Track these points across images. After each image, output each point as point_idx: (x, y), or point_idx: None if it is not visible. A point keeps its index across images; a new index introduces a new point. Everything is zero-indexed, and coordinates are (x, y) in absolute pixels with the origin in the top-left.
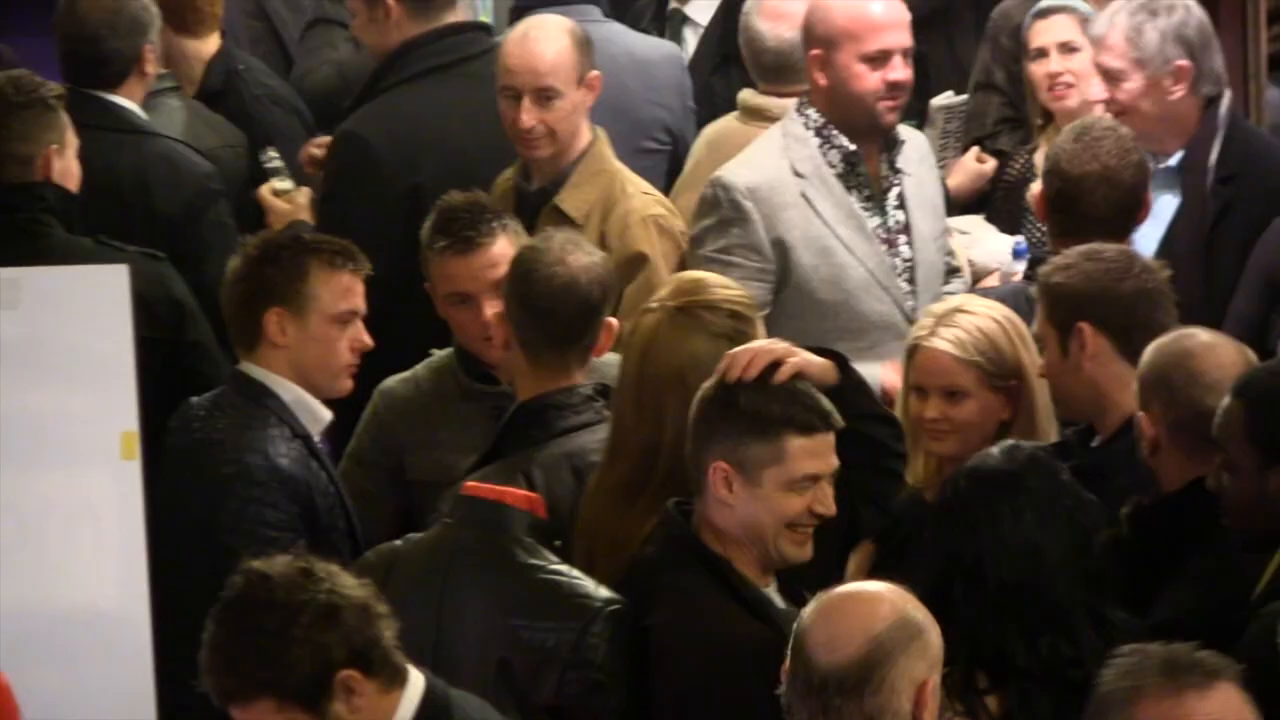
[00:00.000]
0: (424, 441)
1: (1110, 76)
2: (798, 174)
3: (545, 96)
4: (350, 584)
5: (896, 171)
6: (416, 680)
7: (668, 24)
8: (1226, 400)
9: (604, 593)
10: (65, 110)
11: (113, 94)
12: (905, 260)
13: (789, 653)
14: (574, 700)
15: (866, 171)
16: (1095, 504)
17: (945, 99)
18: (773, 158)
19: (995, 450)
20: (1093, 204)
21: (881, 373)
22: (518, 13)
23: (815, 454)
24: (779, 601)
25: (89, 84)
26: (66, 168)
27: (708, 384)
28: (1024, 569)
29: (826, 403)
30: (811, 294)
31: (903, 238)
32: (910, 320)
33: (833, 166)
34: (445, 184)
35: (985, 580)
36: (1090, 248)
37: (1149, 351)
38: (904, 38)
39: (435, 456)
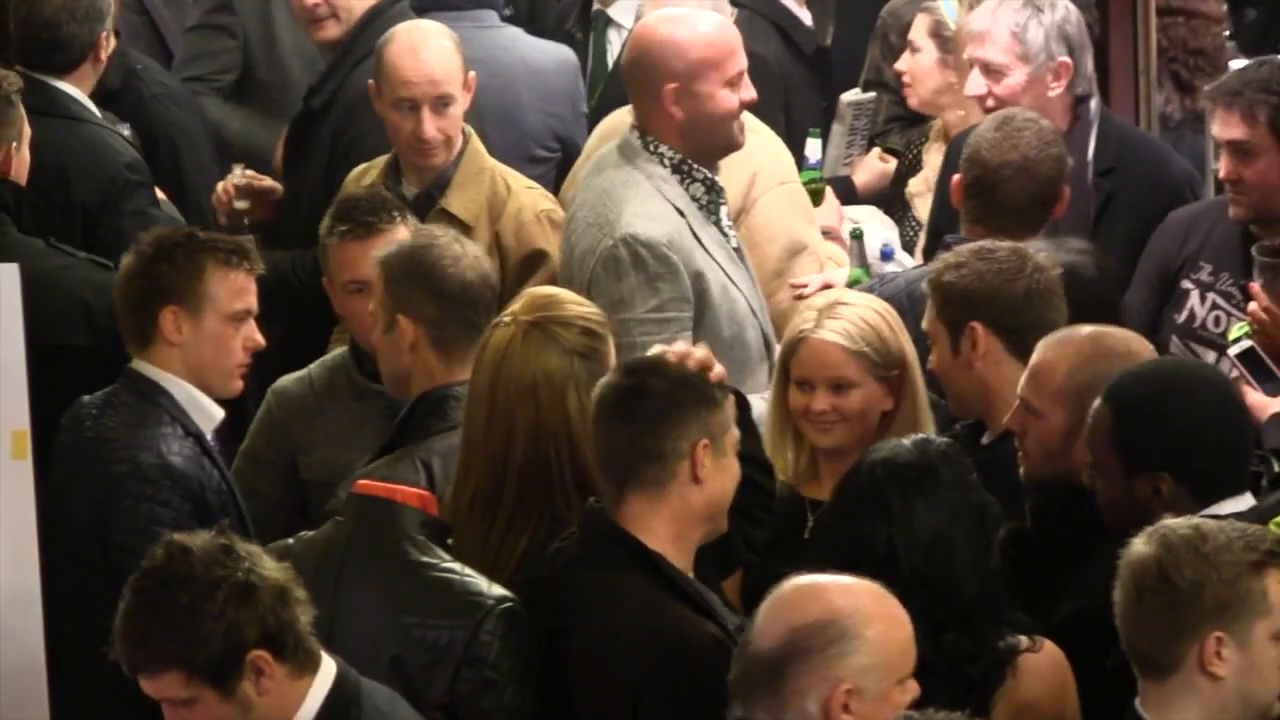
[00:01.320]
0: (316, 440)
1: (991, 71)
2: (680, 213)
3: (443, 104)
4: (270, 566)
5: (720, 190)
6: (328, 668)
7: (592, 25)
8: (1097, 403)
9: (497, 590)
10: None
11: (64, 80)
12: (750, 278)
13: None
14: (466, 698)
15: (713, 198)
16: (996, 503)
17: (855, 95)
18: (659, 202)
19: (906, 442)
20: (1009, 194)
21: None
22: (419, 14)
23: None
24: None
25: (43, 69)
26: (22, 161)
27: (609, 383)
28: (935, 563)
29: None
30: (719, 332)
31: (741, 259)
32: (767, 342)
33: (696, 200)
34: None
35: (897, 571)
36: (982, 245)
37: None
38: (745, 58)
39: (327, 455)
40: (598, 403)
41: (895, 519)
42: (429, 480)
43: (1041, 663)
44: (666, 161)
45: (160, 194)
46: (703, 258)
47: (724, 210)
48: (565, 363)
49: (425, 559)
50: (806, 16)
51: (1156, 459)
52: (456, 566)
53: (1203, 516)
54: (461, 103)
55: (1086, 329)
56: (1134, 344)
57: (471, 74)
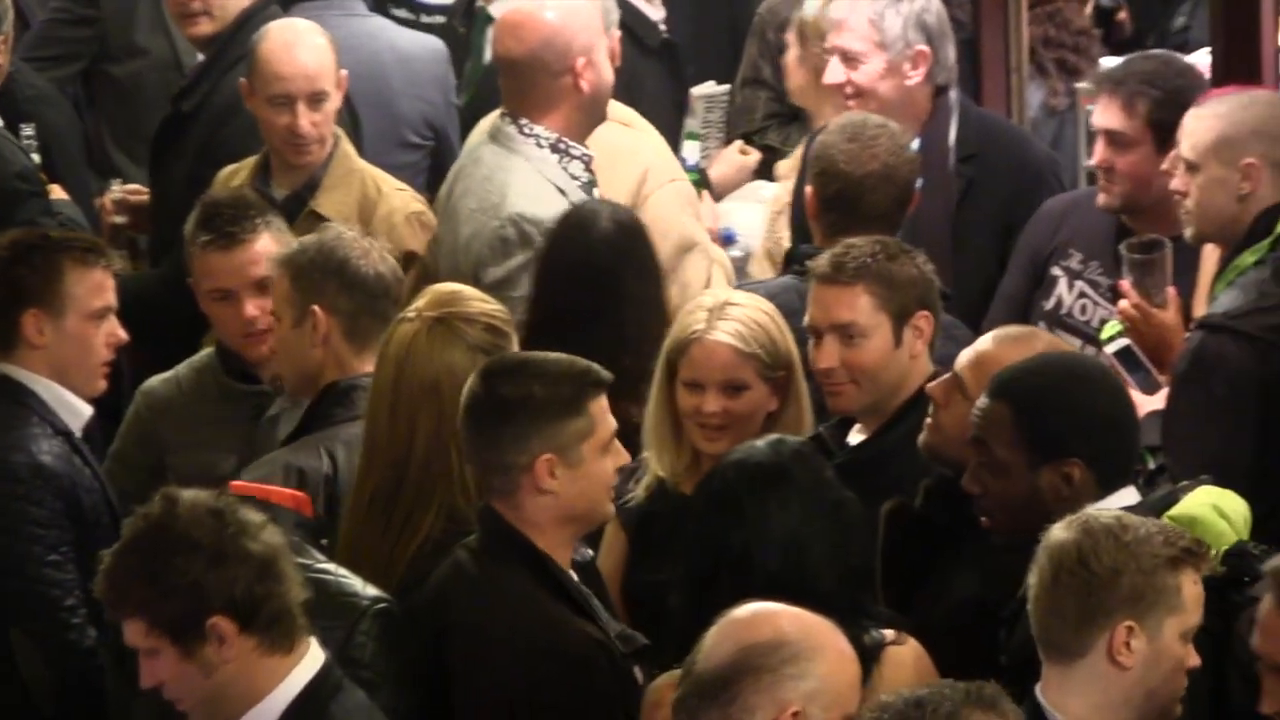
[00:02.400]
0: (184, 441)
1: (850, 59)
2: (561, 192)
3: (317, 100)
4: (260, 540)
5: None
6: (316, 656)
7: (475, 21)
8: (985, 401)
9: (371, 591)
10: None
11: None
12: None
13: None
14: None
15: (588, 176)
16: (855, 500)
17: (706, 88)
18: (540, 182)
19: (760, 443)
20: (875, 202)
21: None
22: (288, 4)
23: (608, 412)
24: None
25: None
26: None
27: (468, 387)
28: (789, 563)
29: (582, 362)
30: None
31: None
32: None
33: (576, 178)
34: None
35: (751, 572)
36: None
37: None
38: None
39: (195, 456)
40: (462, 406)
41: (748, 521)
42: (333, 467)
43: (905, 656)
44: (543, 142)
45: (61, 192)
46: None
47: (596, 191)
48: (469, 360)
49: (300, 560)
50: (653, 12)
51: (1067, 445)
52: (331, 567)
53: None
54: (335, 100)
55: (1046, 336)
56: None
57: (343, 72)
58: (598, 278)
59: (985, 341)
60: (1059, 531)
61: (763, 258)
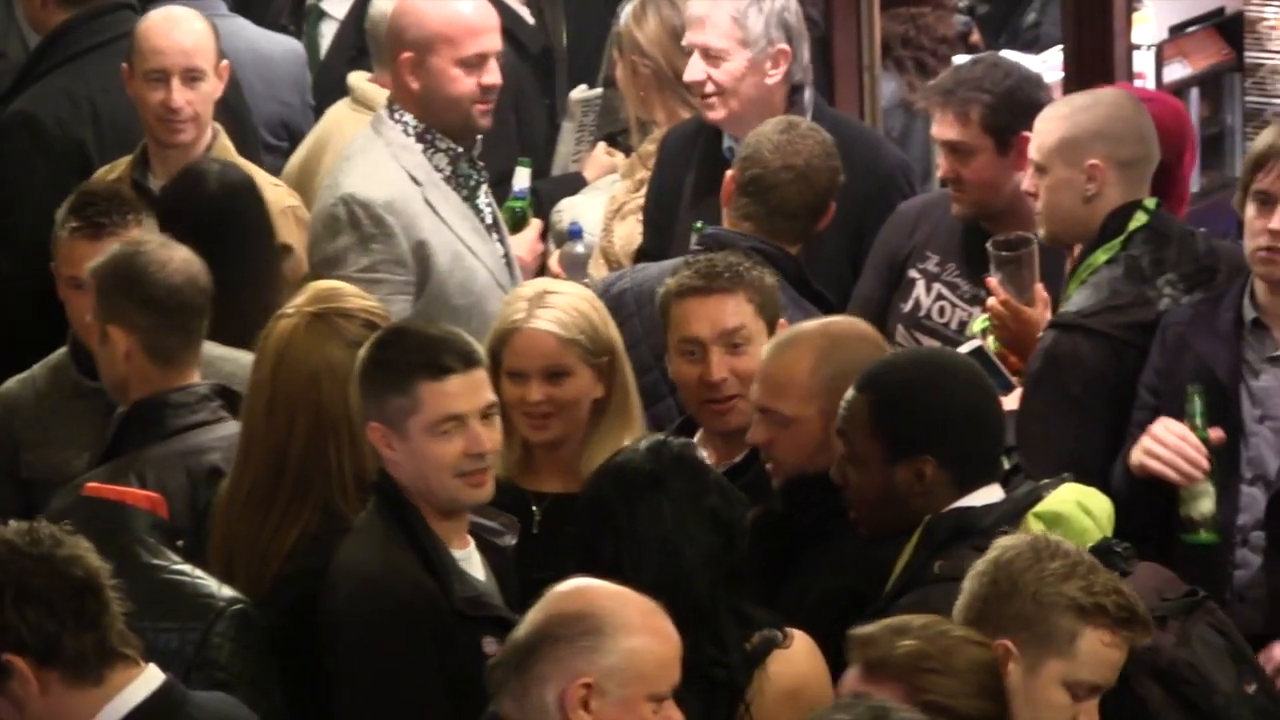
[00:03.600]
0: (38, 439)
1: (711, 56)
2: (415, 181)
3: (193, 77)
4: (66, 573)
5: (480, 169)
6: (149, 681)
7: (305, 18)
8: (851, 393)
9: (227, 592)
10: None
11: None
12: (502, 256)
13: None
14: None
15: (467, 171)
16: (743, 501)
17: (582, 92)
18: (391, 168)
19: (642, 445)
20: (785, 197)
21: None
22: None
23: (451, 395)
24: (478, 569)
25: None
26: None
27: (366, 348)
28: (663, 569)
29: (467, 342)
30: (447, 300)
31: (495, 234)
32: None
33: (439, 170)
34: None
35: (624, 579)
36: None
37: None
38: (497, 41)
39: (48, 454)
40: (356, 378)
41: (621, 528)
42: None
43: (794, 654)
44: (410, 130)
45: None
46: (431, 225)
47: (484, 187)
48: (347, 354)
49: (156, 561)
50: (529, 15)
51: (920, 443)
52: (187, 569)
53: (959, 507)
54: (212, 84)
55: (809, 324)
56: (860, 326)
57: (225, 63)
58: (204, 235)
59: (764, 361)
60: (1007, 538)
61: (598, 255)
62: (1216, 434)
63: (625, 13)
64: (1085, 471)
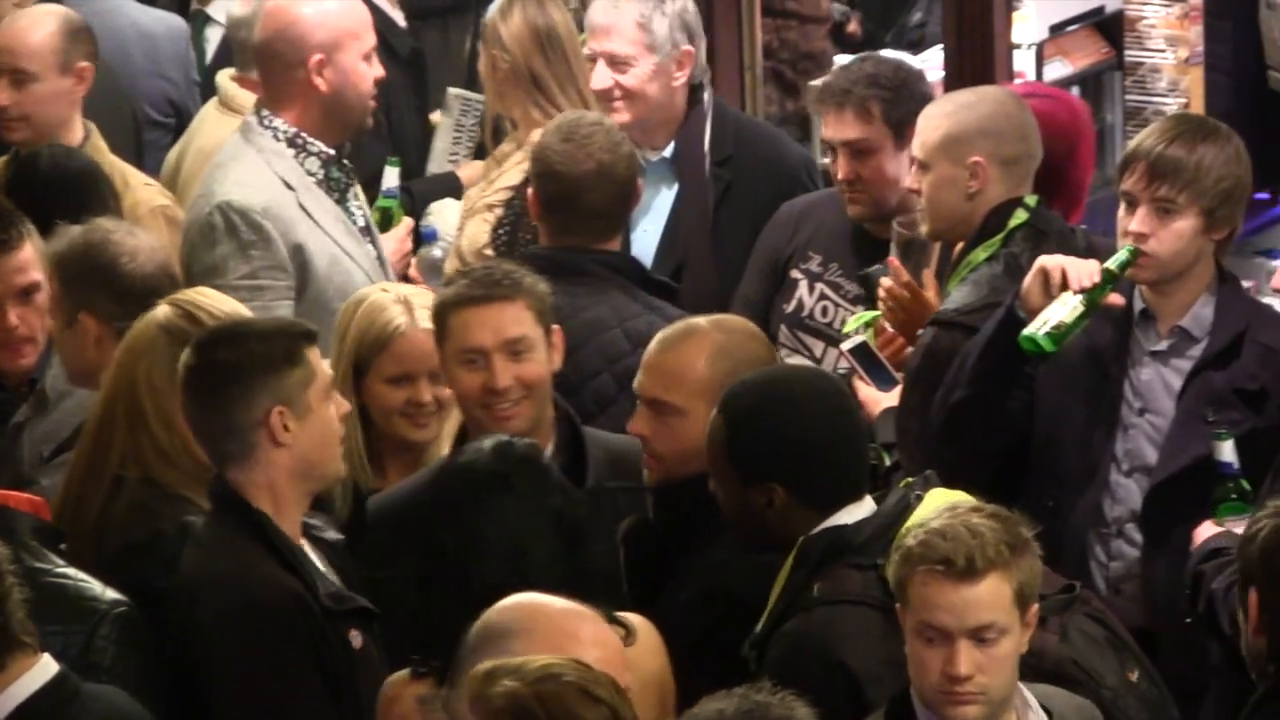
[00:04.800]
0: None
1: (617, 63)
2: (288, 186)
3: (19, 79)
4: None
5: (350, 172)
6: (44, 671)
7: (191, 23)
8: (715, 412)
9: (111, 594)
10: None
11: None
12: (376, 258)
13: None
14: None
15: (337, 175)
16: (584, 503)
17: (462, 91)
18: (264, 174)
19: (487, 444)
20: (593, 202)
21: None
22: None
23: (320, 358)
24: (319, 564)
25: None
26: None
27: (184, 363)
28: (506, 570)
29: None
30: (326, 304)
31: (367, 236)
32: None
33: (312, 174)
34: None
35: (469, 580)
36: None
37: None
38: (374, 36)
39: None
40: (179, 385)
41: (465, 526)
42: None
43: (638, 651)
44: (281, 136)
45: None
46: (307, 230)
47: (355, 189)
48: (161, 338)
49: (38, 564)
50: (400, 18)
51: (767, 470)
52: (71, 571)
53: (832, 526)
54: (52, 84)
55: (701, 320)
56: (750, 326)
57: (84, 64)
58: (38, 217)
59: (652, 354)
60: None
61: (453, 256)
62: (1117, 298)
63: (493, 7)
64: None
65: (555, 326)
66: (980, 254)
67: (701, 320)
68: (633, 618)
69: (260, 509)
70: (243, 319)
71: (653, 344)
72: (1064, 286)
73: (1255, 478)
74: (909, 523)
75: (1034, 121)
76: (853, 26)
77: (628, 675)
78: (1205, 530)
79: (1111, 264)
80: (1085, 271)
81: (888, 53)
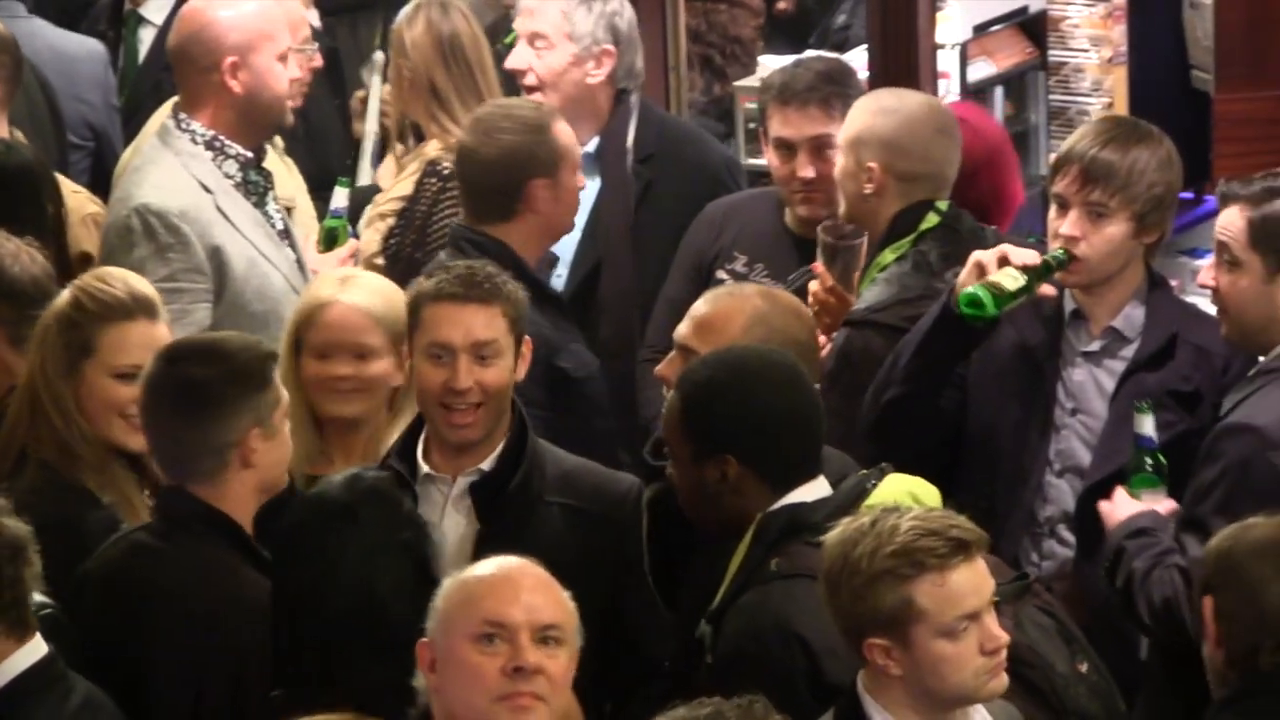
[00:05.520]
0: None
1: (536, 45)
2: (206, 189)
3: None
4: (10, 525)
5: (268, 175)
6: (37, 648)
7: (124, 24)
8: (671, 391)
9: (36, 598)
10: None
11: None
12: (294, 260)
13: None
14: None
15: (255, 177)
16: (428, 537)
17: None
18: (181, 177)
19: (338, 478)
20: (471, 177)
21: None
22: None
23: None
24: None
25: None
26: None
27: (156, 373)
28: (355, 599)
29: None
30: (245, 307)
31: (286, 240)
32: None
33: (230, 177)
34: None
35: (323, 607)
36: None
37: None
38: (289, 37)
39: None
40: (146, 392)
41: (316, 558)
42: None
43: None
44: (198, 139)
45: None
46: (225, 233)
47: (272, 193)
48: (53, 327)
49: None
50: (313, 17)
51: (720, 442)
52: None
53: (790, 503)
54: None
55: (756, 286)
56: (801, 305)
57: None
58: None
59: (699, 305)
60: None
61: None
62: (1049, 289)
63: (401, 14)
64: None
65: (527, 337)
66: (889, 255)
67: (753, 287)
68: None
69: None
70: (211, 338)
71: (703, 298)
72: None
73: (1186, 480)
74: (868, 502)
75: (948, 144)
76: (782, 4)
77: None
78: (1121, 499)
79: (1049, 256)
80: (1025, 254)
81: (816, 53)
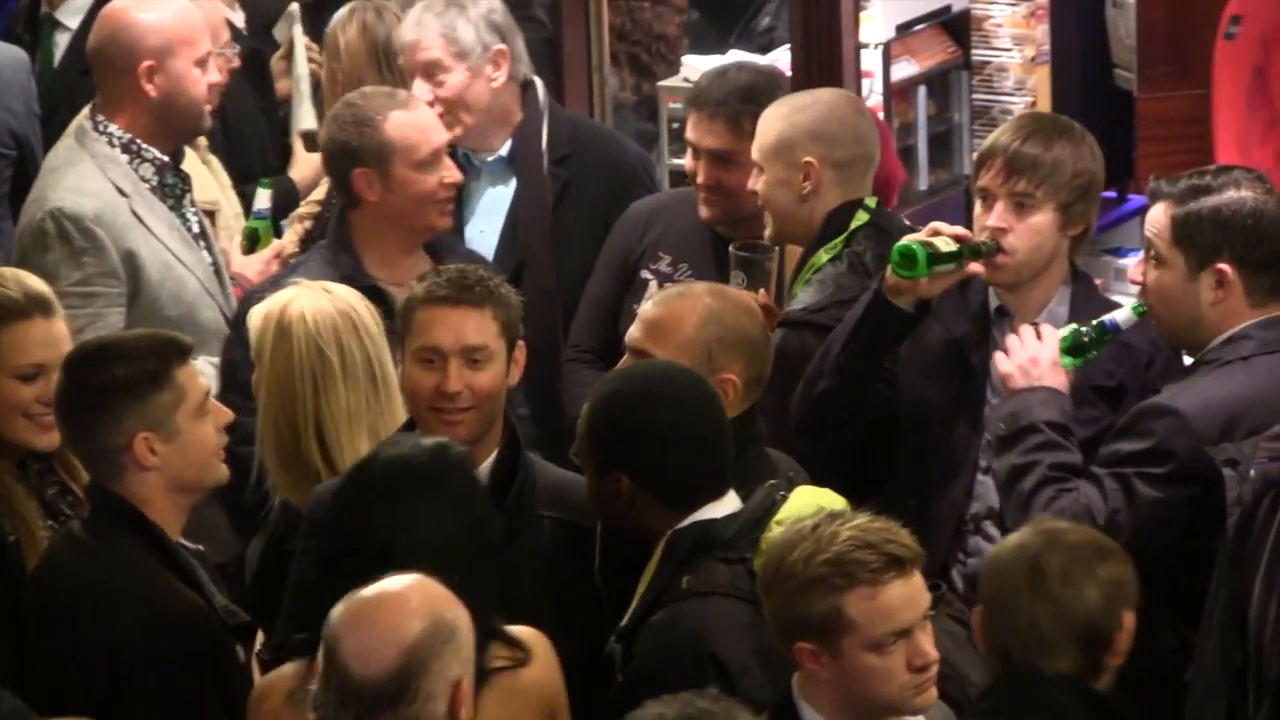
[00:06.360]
0: None
1: (431, 75)
2: (122, 192)
3: None
4: None
5: (186, 178)
6: None
7: (41, 28)
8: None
9: None
10: None
11: None
12: (210, 264)
13: (321, 657)
14: None
15: (172, 180)
16: (498, 520)
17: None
18: (97, 180)
19: (425, 443)
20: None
21: None
22: None
23: (197, 375)
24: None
25: None
26: None
27: (60, 376)
28: (424, 568)
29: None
30: (160, 311)
31: (202, 243)
32: (231, 324)
33: (146, 181)
34: None
35: (386, 570)
36: None
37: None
38: (209, 41)
39: None
40: (53, 397)
41: (398, 519)
42: None
43: (514, 684)
44: (115, 142)
45: None
46: (140, 236)
47: (189, 196)
48: None
49: None
50: (237, 18)
51: (614, 459)
52: None
53: (700, 520)
54: None
55: (706, 285)
56: (750, 301)
57: None
58: None
59: (649, 307)
60: None
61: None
62: (976, 267)
63: (335, 18)
64: (818, 469)
65: (520, 341)
66: (823, 255)
67: (703, 285)
68: (528, 635)
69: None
70: (114, 337)
71: (652, 299)
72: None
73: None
74: (776, 518)
75: (871, 125)
76: None
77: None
78: (1034, 344)
79: (978, 242)
80: (956, 229)
81: (738, 53)
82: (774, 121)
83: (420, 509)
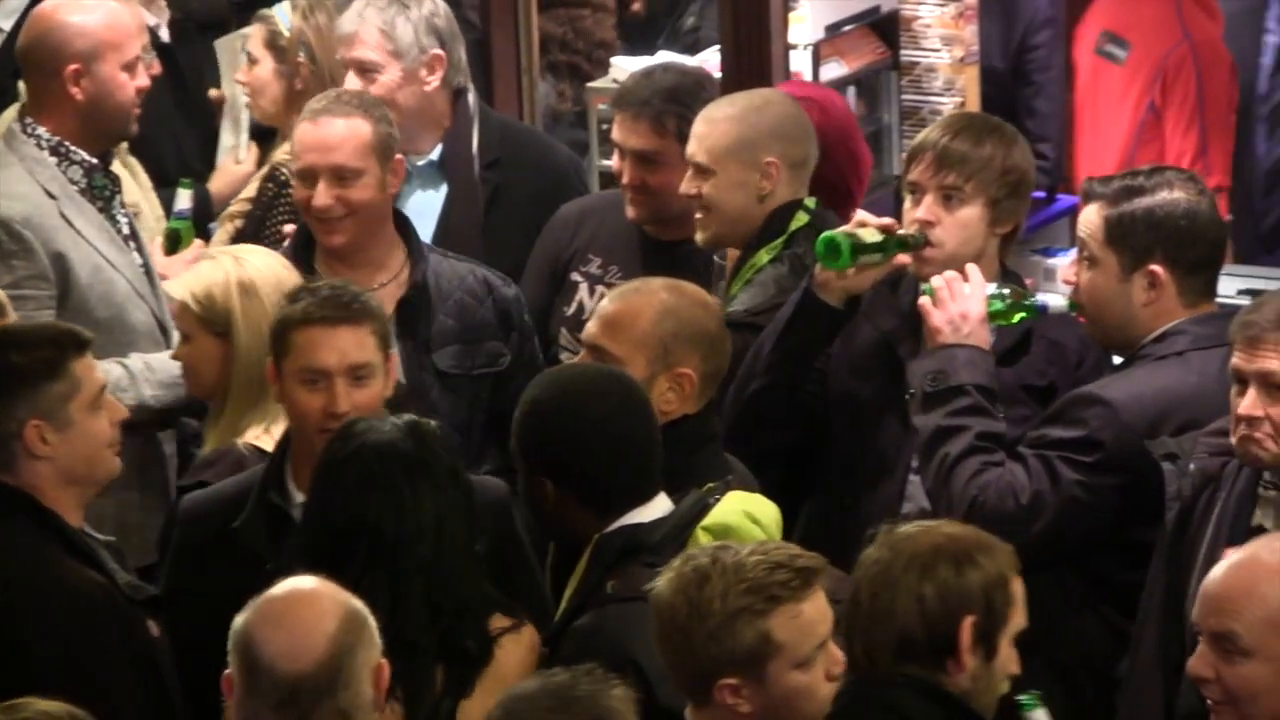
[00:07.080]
0: None
1: (365, 71)
2: (50, 195)
3: None
4: None
5: (115, 179)
6: None
7: None
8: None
9: None
10: None
11: None
12: (141, 265)
13: (233, 660)
14: None
15: (101, 183)
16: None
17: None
18: (25, 183)
19: (400, 423)
20: None
21: None
22: None
23: (94, 368)
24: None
25: None
26: None
27: None
28: (440, 549)
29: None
30: (90, 313)
31: (132, 244)
32: (163, 325)
33: (75, 183)
34: None
35: (399, 555)
36: None
37: None
38: (139, 45)
39: None
40: None
41: (403, 506)
42: None
43: (521, 642)
44: (44, 144)
45: None
46: (69, 240)
47: (119, 198)
48: None
49: None
50: (151, 17)
51: (538, 464)
52: None
53: (627, 524)
54: None
55: (662, 280)
56: (706, 296)
57: None
58: None
59: (606, 304)
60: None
61: None
62: (904, 258)
63: (294, 15)
64: (763, 470)
65: (392, 352)
66: (764, 256)
67: (659, 281)
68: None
69: (51, 508)
70: (14, 325)
71: (608, 296)
72: None
73: None
74: (704, 523)
75: (808, 121)
76: (636, 5)
77: None
78: (962, 291)
79: (905, 235)
80: (883, 220)
81: (667, 54)
82: (726, 123)
83: (420, 494)
